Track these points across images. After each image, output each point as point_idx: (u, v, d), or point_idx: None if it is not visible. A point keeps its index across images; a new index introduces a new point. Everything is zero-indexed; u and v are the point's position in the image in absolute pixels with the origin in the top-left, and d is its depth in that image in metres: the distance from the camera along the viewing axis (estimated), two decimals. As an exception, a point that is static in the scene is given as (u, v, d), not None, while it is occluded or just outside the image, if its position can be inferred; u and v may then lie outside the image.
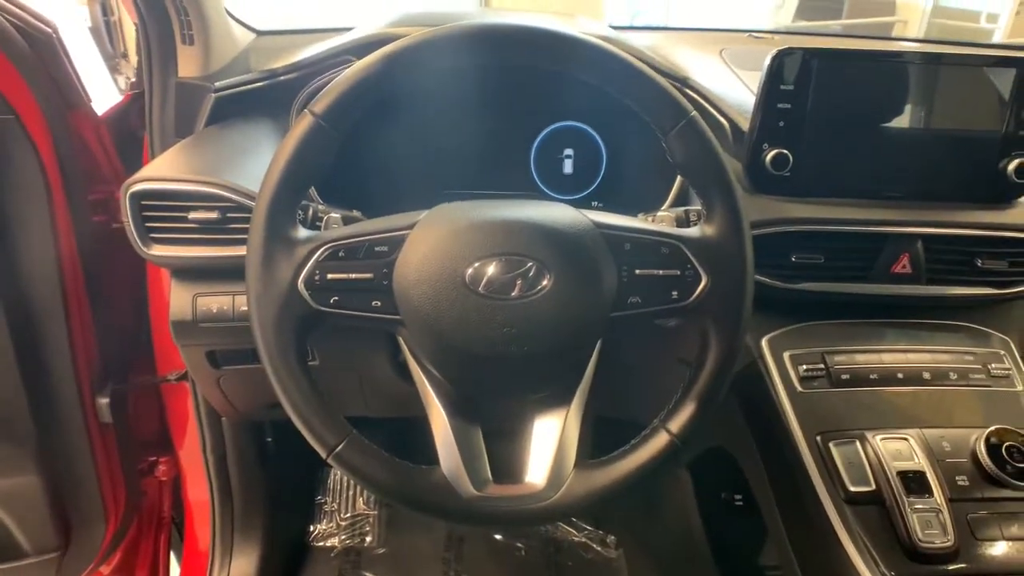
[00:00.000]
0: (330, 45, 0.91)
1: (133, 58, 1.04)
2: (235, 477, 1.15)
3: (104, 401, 1.04)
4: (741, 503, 1.12)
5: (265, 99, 0.89)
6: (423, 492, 0.60)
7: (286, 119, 0.90)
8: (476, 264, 0.58)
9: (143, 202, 0.75)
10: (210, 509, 1.18)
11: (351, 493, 1.37)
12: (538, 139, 0.94)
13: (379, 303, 0.60)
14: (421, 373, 0.64)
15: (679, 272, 0.61)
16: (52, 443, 1.01)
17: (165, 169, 0.76)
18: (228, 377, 0.91)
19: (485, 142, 0.95)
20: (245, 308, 0.81)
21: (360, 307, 0.60)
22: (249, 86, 0.88)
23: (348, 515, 1.35)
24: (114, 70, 1.12)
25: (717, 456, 0.97)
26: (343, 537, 1.33)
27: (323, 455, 0.60)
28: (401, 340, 0.65)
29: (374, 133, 0.89)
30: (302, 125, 0.58)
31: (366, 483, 0.60)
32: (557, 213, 0.61)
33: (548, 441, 0.62)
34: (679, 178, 0.87)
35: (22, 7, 0.84)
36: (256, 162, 0.81)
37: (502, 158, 0.95)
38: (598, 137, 0.95)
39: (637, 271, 0.61)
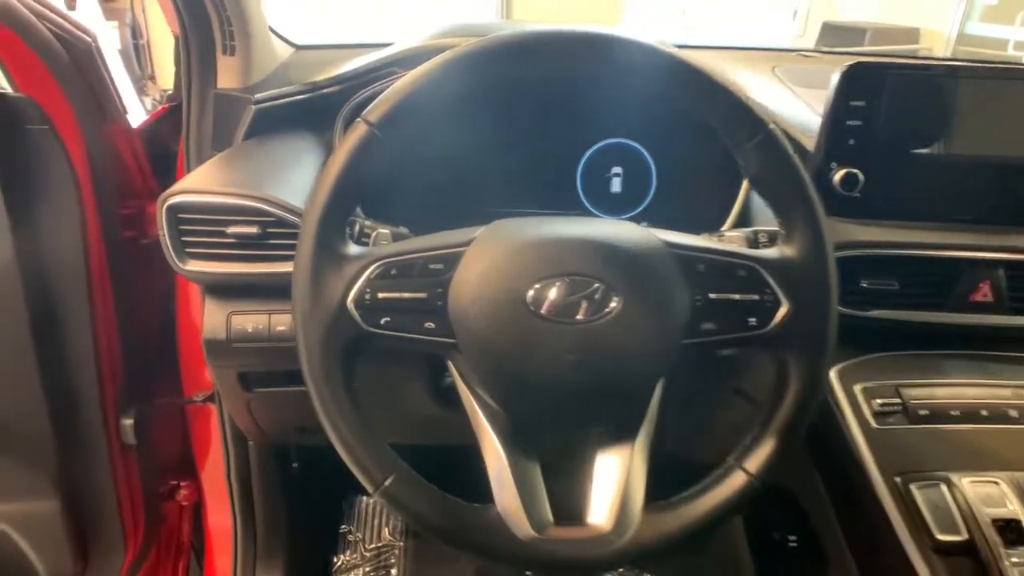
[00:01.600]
0: (373, 58, 0.88)
1: (160, 80, 1.03)
2: (259, 504, 1.11)
3: (128, 422, 1.01)
4: (795, 544, 1.05)
5: (306, 112, 0.86)
6: (477, 532, 0.55)
7: (327, 133, 0.87)
8: (538, 285, 0.54)
9: (179, 215, 0.72)
10: (232, 536, 1.13)
11: (377, 522, 1.31)
12: (585, 157, 0.91)
13: (433, 324, 0.56)
14: (473, 402, 0.59)
15: (757, 297, 0.56)
16: (73, 465, 0.97)
17: (203, 181, 0.73)
18: (259, 400, 0.87)
19: (530, 160, 0.91)
20: (282, 328, 0.79)
21: (412, 328, 0.56)
22: (290, 98, 0.85)
23: (373, 546, 1.29)
24: (141, 92, 1.12)
25: (770, 493, 0.91)
26: (367, 569, 1.28)
27: (370, 490, 0.55)
28: (450, 365, 0.61)
29: (419, 148, 0.86)
30: (355, 134, 0.54)
31: (416, 521, 0.56)
32: (624, 231, 0.57)
33: (612, 479, 0.57)
34: (740, 197, 0.82)
35: (62, 15, 0.82)
36: (298, 176, 0.78)
37: (547, 176, 0.91)
38: (647, 155, 0.91)
39: (711, 295, 0.56)
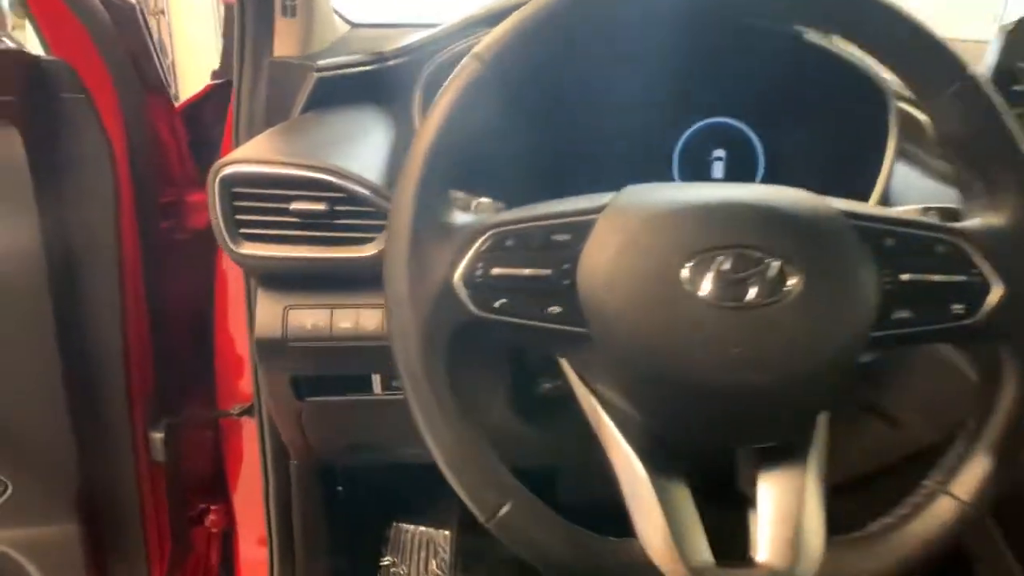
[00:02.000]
0: (443, 27, 0.79)
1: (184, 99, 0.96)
2: (299, 530, 0.99)
3: (158, 436, 0.91)
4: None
5: (371, 85, 0.77)
6: (617, 572, 0.44)
7: (394, 107, 0.77)
8: (694, 260, 0.43)
9: (234, 189, 0.62)
10: (268, 566, 1.01)
11: (423, 555, 1.19)
12: (684, 136, 0.80)
13: (558, 309, 0.44)
14: (598, 408, 0.48)
15: (964, 278, 0.45)
16: (96, 485, 0.86)
17: (263, 151, 0.63)
18: (311, 410, 0.76)
19: (623, 136, 0.81)
20: (345, 325, 0.68)
21: (533, 313, 0.45)
22: (358, 68, 0.75)
23: (419, 580, 1.17)
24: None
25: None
26: (411, 605, 1.15)
27: (480, 518, 0.44)
28: (565, 363, 0.50)
29: (510, 109, 0.76)
30: (466, 73, 0.44)
31: (538, 557, 0.44)
32: (795, 196, 0.46)
33: (782, 506, 0.46)
34: (884, 172, 0.71)
35: (105, -28, 0.74)
36: (367, 150, 0.68)
37: (640, 156, 0.81)
38: (754, 137, 0.80)
39: (903, 276, 0.45)
